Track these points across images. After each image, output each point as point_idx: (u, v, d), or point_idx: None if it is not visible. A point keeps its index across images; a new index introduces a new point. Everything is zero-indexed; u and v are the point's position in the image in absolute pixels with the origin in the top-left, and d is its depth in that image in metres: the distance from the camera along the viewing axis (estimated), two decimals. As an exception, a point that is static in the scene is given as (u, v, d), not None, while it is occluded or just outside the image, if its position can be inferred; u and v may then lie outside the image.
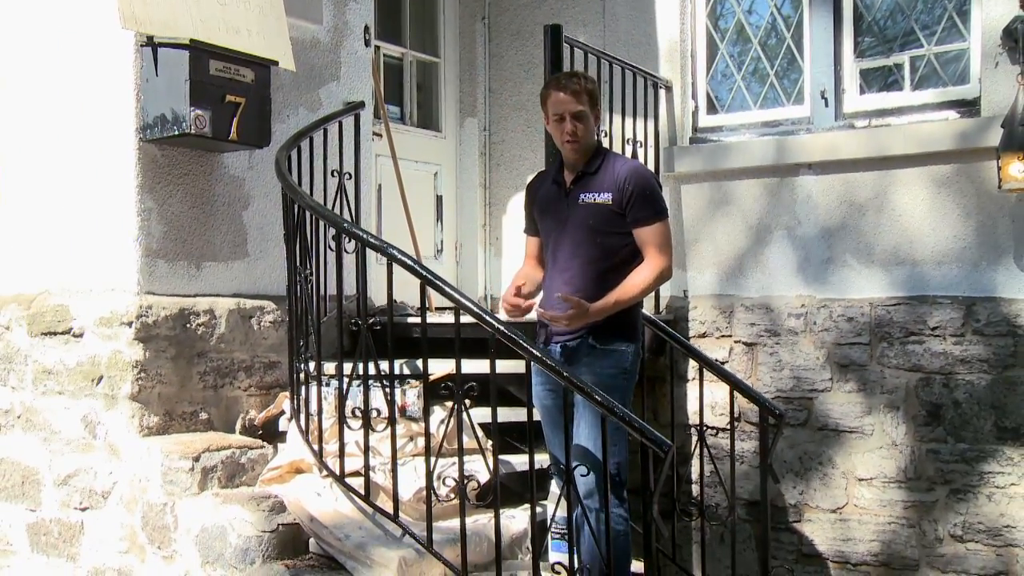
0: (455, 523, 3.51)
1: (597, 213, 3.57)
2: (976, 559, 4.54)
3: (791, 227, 5.03)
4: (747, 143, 5.19)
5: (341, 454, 3.75)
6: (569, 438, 3.40)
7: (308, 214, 3.92)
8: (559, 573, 3.37)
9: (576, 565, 3.40)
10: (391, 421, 3.60)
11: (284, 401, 4.33)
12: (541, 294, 3.73)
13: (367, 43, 5.05)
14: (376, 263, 4.19)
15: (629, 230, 3.57)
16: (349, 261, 3.78)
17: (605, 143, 4.92)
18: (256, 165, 4.52)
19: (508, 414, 4.06)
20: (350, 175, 4.49)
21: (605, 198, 3.56)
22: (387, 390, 3.63)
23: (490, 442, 3.59)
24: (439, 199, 5.93)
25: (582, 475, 3.37)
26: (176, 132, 4.03)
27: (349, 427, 3.71)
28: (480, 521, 3.80)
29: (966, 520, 4.57)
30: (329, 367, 4.00)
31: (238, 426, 4.39)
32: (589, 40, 5.17)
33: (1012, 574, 4.48)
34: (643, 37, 5.45)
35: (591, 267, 3.57)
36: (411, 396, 4.09)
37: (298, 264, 3.99)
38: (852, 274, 4.87)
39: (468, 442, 3.66)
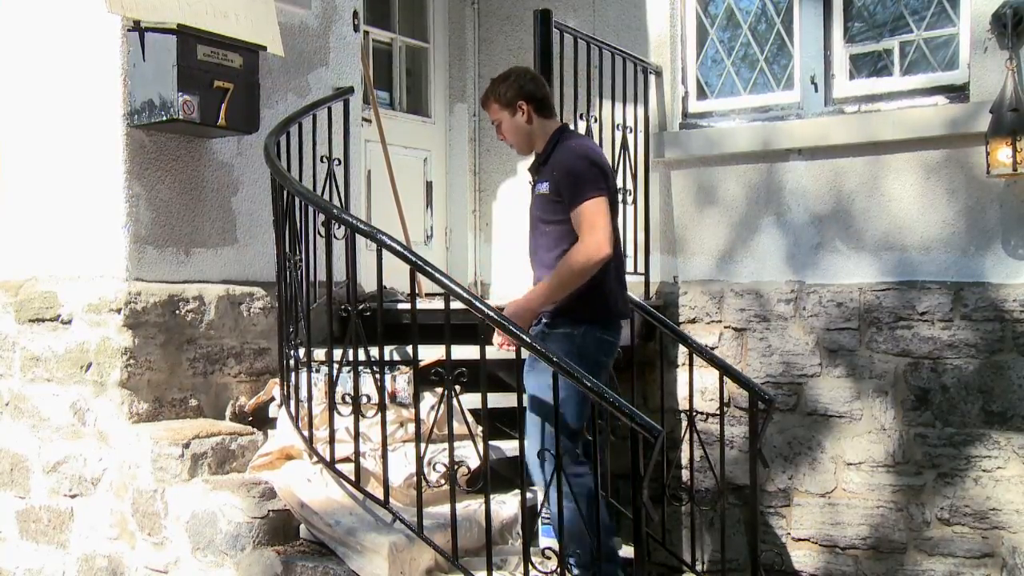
0: (445, 509, 3.52)
1: (542, 204, 3.63)
2: (963, 542, 4.58)
3: (780, 213, 5.03)
4: (737, 129, 5.18)
5: (331, 440, 3.75)
6: (558, 426, 3.40)
7: (297, 200, 3.91)
8: (549, 558, 3.38)
9: (567, 550, 3.42)
10: (381, 407, 3.61)
11: (274, 387, 4.33)
12: None
13: (356, 28, 5.03)
14: (366, 249, 4.19)
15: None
16: (339, 247, 3.78)
17: (595, 129, 4.93)
18: (245, 151, 4.50)
19: (498, 400, 4.06)
20: (339, 161, 4.47)
21: (544, 188, 3.62)
22: (377, 376, 3.63)
23: (480, 428, 3.60)
24: (429, 185, 5.91)
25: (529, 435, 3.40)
26: (164, 118, 4.01)
27: (339, 413, 3.71)
28: (471, 507, 3.81)
29: (953, 503, 4.60)
30: (319, 353, 4.00)
31: (228, 412, 4.38)
32: (579, 25, 5.16)
33: (997, 556, 4.51)
34: (633, 22, 5.44)
35: (545, 258, 3.61)
36: (401, 382, 4.09)
37: (287, 250, 3.98)
38: (841, 259, 4.88)
39: (458, 428, 3.66)
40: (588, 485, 3.45)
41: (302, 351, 3.92)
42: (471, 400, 3.69)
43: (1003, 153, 4.35)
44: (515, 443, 3.60)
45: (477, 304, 3.35)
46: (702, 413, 4.88)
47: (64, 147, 4.33)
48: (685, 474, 5.01)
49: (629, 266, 5.13)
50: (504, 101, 3.70)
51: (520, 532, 3.85)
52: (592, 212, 3.49)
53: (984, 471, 4.54)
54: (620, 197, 5.05)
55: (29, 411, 4.37)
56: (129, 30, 4.07)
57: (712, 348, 4.98)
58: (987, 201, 4.57)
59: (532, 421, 3.51)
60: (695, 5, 5.39)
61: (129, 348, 4.06)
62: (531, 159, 3.84)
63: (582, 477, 3.44)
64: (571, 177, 3.54)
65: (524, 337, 3.29)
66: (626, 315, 3.80)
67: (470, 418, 3.73)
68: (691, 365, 4.38)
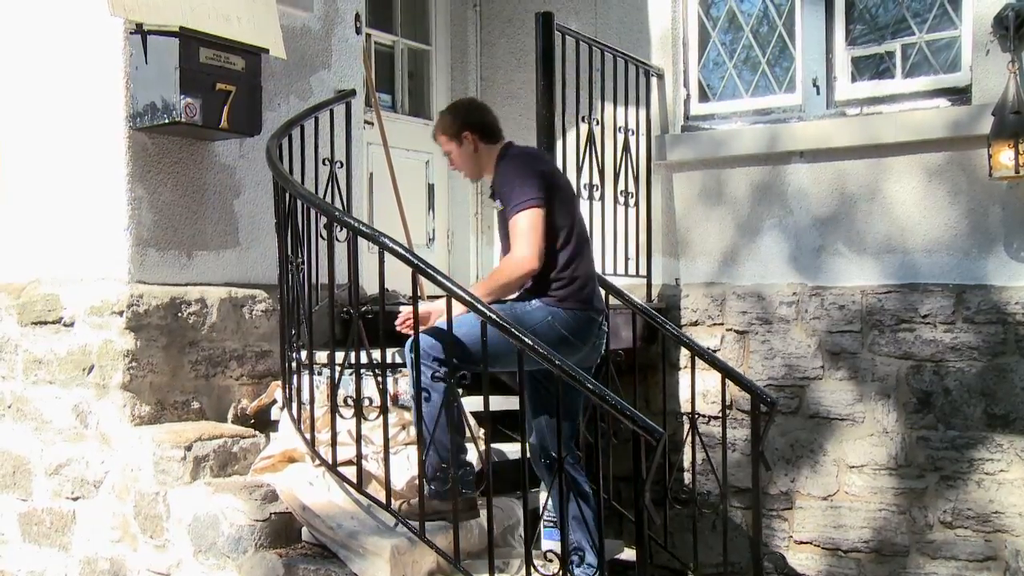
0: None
1: (501, 219, 3.75)
2: (965, 545, 4.57)
3: (783, 215, 5.03)
4: (739, 131, 5.19)
5: (333, 443, 3.75)
6: (560, 431, 3.40)
7: (299, 203, 3.91)
8: (551, 561, 3.38)
9: (567, 550, 3.42)
10: (383, 410, 3.60)
11: (276, 390, 4.33)
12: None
13: (358, 31, 5.03)
14: (368, 252, 4.19)
15: None
16: (341, 250, 3.77)
17: (597, 131, 4.93)
18: (247, 153, 4.50)
19: (500, 402, 4.06)
20: (341, 163, 4.48)
21: (498, 204, 3.76)
22: (379, 379, 3.63)
23: (482, 430, 3.59)
24: (431, 187, 5.91)
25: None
26: (166, 120, 4.01)
27: (341, 416, 3.71)
28: (472, 509, 3.80)
29: (955, 506, 4.59)
30: (321, 356, 4.00)
31: (230, 415, 4.38)
32: (581, 28, 5.16)
33: (1000, 559, 4.51)
34: (635, 25, 5.44)
35: None
36: (403, 385, 4.09)
37: (289, 253, 3.98)
38: (843, 262, 4.88)
39: (460, 430, 3.65)
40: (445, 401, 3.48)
41: (304, 353, 3.92)
42: (473, 403, 3.68)
43: (1005, 155, 4.35)
44: (517, 446, 3.60)
45: (479, 307, 3.35)
46: (704, 416, 4.88)
47: (66, 150, 4.34)
48: (687, 477, 5.00)
49: (632, 268, 5.15)
50: (451, 133, 3.85)
51: (522, 534, 3.84)
52: (522, 225, 3.59)
53: (987, 474, 4.54)
54: (623, 199, 5.08)
55: (31, 413, 4.38)
56: (131, 33, 4.07)
57: (714, 351, 4.98)
58: (989, 204, 4.57)
59: (439, 330, 3.48)
60: (697, 8, 5.40)
61: (131, 351, 4.07)
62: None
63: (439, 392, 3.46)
64: (506, 188, 3.68)
65: (526, 340, 3.29)
66: (600, 311, 3.82)
67: (472, 421, 3.73)
68: (693, 368, 4.37)
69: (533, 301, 3.65)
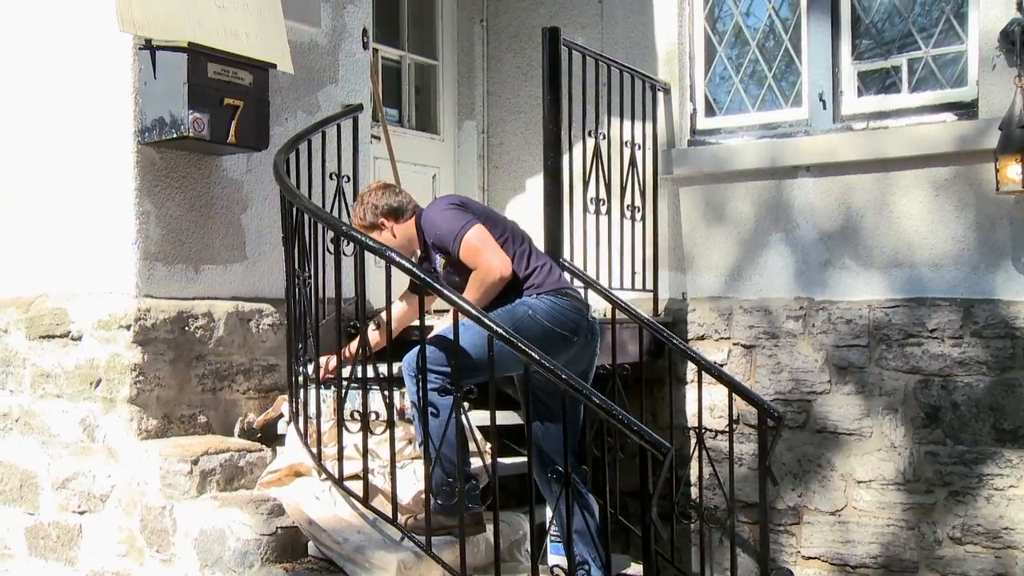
0: (454, 526, 3.51)
1: (452, 269, 3.80)
2: (975, 561, 4.54)
3: (789, 229, 5.03)
4: (745, 145, 5.19)
5: (340, 457, 3.75)
6: (567, 445, 3.39)
7: (307, 217, 3.92)
8: (558, 576, 3.38)
9: (574, 565, 3.41)
10: (390, 424, 3.60)
11: (283, 404, 4.33)
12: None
13: (365, 46, 5.05)
14: (375, 266, 4.20)
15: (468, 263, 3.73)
16: (347, 264, 3.79)
17: (603, 146, 4.94)
18: (254, 168, 4.52)
19: (507, 417, 4.07)
20: (348, 178, 4.49)
21: (439, 260, 3.82)
22: (386, 393, 3.64)
23: (489, 445, 3.59)
24: (437, 202, 5.92)
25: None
26: (174, 135, 4.03)
27: (348, 430, 3.71)
28: (479, 524, 3.80)
29: (965, 522, 4.57)
30: (327, 370, 4.00)
31: (237, 429, 4.39)
32: (587, 43, 5.18)
33: (1011, 576, 4.48)
34: (641, 40, 5.46)
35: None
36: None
37: (296, 267, 3.99)
38: (850, 276, 4.87)
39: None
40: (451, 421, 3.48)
41: (311, 367, 3.93)
42: (479, 417, 3.68)
43: (1012, 170, 4.34)
44: (523, 459, 3.59)
45: (485, 320, 3.35)
46: (711, 430, 4.87)
47: (75, 164, 4.36)
48: (694, 491, 4.98)
49: (638, 283, 5.15)
50: (369, 224, 3.93)
51: (528, 549, 3.83)
52: (473, 244, 3.68)
53: (996, 489, 4.51)
54: (629, 214, 5.10)
55: (39, 427, 4.38)
56: (140, 48, 4.10)
57: (721, 365, 4.96)
58: (997, 218, 4.56)
59: (446, 345, 3.51)
60: (703, 22, 5.41)
61: (138, 364, 4.07)
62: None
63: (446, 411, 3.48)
64: (438, 235, 3.77)
65: (533, 354, 3.29)
66: (582, 299, 3.87)
67: (478, 435, 3.73)
68: (700, 382, 4.36)
69: (513, 299, 3.70)
